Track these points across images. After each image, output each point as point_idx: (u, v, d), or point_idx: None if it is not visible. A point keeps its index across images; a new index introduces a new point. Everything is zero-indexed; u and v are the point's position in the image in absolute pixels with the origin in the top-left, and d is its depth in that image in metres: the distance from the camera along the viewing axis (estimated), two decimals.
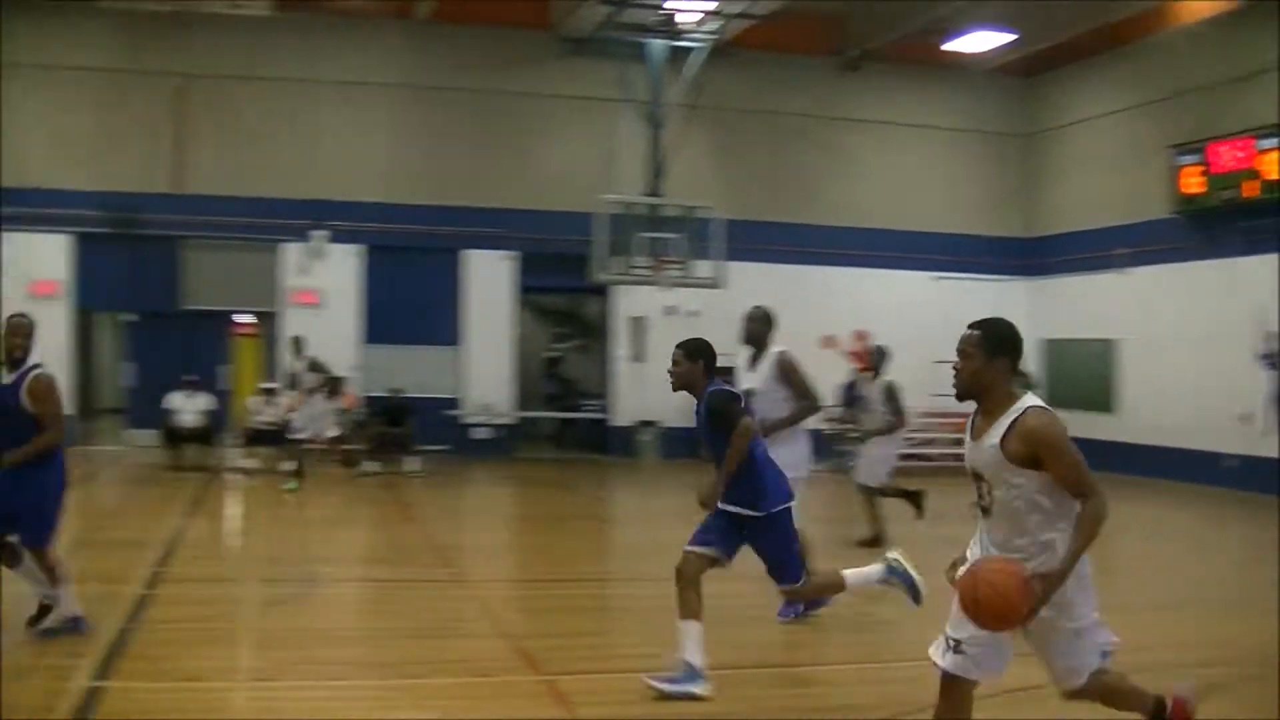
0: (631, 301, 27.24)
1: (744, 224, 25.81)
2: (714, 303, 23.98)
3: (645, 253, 24.91)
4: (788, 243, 27.82)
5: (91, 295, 26.01)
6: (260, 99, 26.38)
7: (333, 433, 22.55)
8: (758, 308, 11.35)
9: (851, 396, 19.19)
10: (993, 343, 5.80)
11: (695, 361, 8.71)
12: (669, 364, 8.63)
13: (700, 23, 26.12)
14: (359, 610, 9.88)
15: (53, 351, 24.93)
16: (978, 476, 5.89)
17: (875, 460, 15.55)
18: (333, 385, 23.36)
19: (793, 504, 8.81)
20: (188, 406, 23.07)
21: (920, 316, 26.72)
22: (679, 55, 26.67)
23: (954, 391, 5.91)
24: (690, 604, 8.36)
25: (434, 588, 12.30)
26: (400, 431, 23.39)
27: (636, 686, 8.28)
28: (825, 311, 27.12)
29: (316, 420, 21.81)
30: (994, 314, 5.98)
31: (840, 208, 28.74)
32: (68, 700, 7.84)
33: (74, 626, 9.56)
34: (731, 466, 8.58)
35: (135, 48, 25.82)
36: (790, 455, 10.05)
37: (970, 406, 5.91)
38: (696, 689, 8.18)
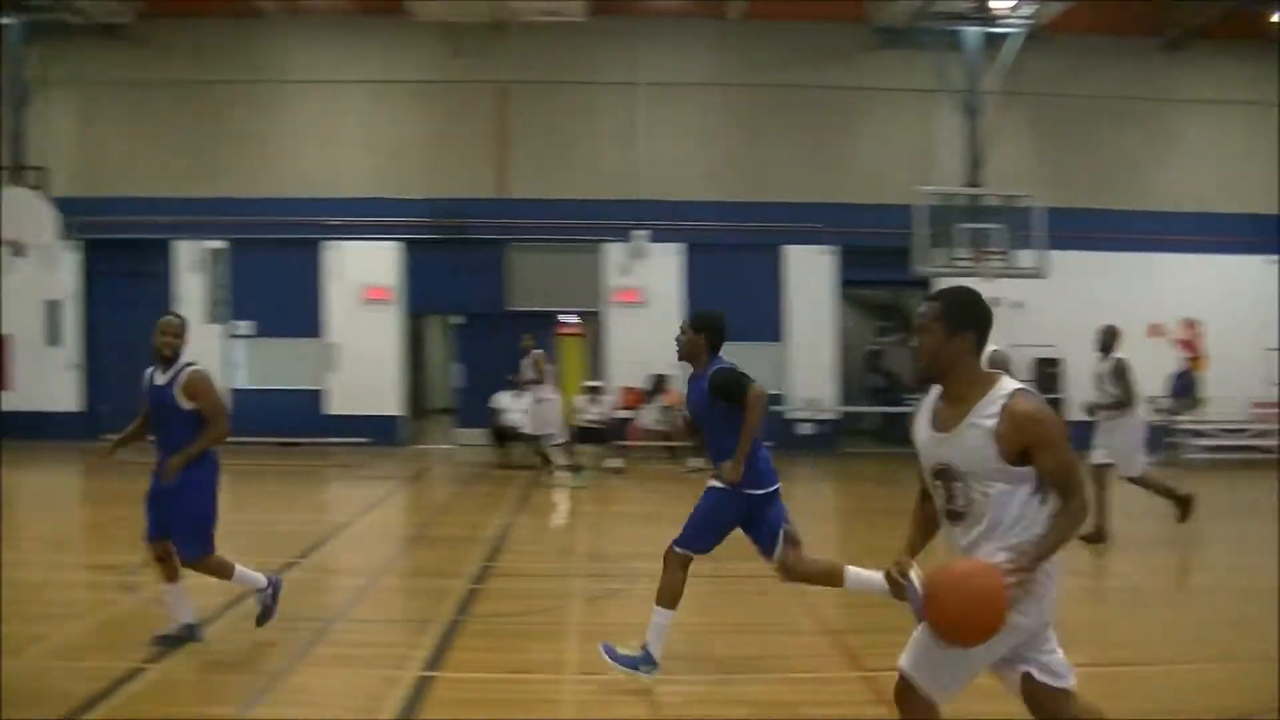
0: None
1: (1065, 211, 25.27)
2: (1037, 293, 23.72)
3: (966, 244, 24.65)
4: (1111, 229, 26.98)
5: (421, 299, 27.32)
6: (579, 102, 27.22)
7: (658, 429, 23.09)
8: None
9: (1180, 385, 18.54)
10: (955, 315, 5.20)
11: (699, 334, 8.86)
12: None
13: (1015, 8, 25.76)
14: (682, 606, 10.01)
15: (385, 354, 26.56)
16: (943, 475, 5.29)
17: (1126, 447, 14.69)
18: (657, 382, 24.03)
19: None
20: (515, 406, 23.72)
21: (1253, 302, 25.79)
22: (994, 42, 26.30)
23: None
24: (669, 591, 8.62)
25: (756, 583, 11.98)
26: None
27: None
28: (1151, 299, 26.34)
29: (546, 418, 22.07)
30: None
31: (1165, 192, 27.74)
32: (401, 689, 8.24)
33: (189, 635, 9.45)
34: (749, 437, 8.41)
35: (457, 58, 26.91)
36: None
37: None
38: (643, 672, 8.46)
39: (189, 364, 9.34)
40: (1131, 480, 14.74)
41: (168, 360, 9.29)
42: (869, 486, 22.73)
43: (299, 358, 26.63)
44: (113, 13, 26.78)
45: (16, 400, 27.24)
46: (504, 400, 23.84)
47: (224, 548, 11.09)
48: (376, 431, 26.22)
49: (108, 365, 27.64)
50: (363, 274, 26.91)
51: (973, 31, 26.24)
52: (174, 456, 9.15)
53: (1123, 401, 14.54)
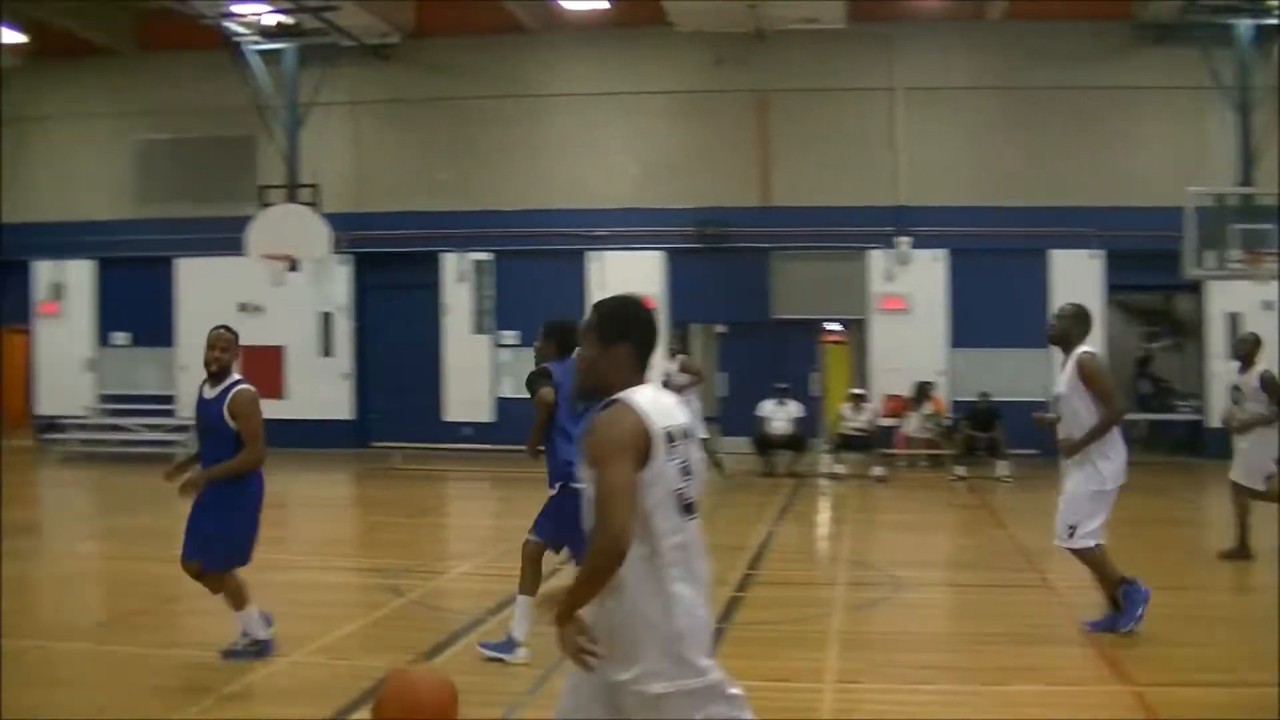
0: (1227, 297, 26.16)
1: None
2: None
3: (1239, 246, 24.14)
4: None
5: (685, 308, 27.89)
6: (838, 109, 27.50)
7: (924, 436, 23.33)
8: (1068, 304, 10.90)
9: None
10: (608, 326, 4.94)
11: (549, 341, 9.77)
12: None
13: None
14: (943, 614, 10.13)
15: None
16: None
17: (1254, 458, 13.88)
18: (922, 390, 24.30)
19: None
20: (779, 414, 24.11)
21: None
22: (1268, 35, 25.52)
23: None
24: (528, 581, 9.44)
25: (1021, 593, 12.35)
26: (989, 436, 23.40)
27: (1224, 700, 8.27)
28: None
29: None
30: None
31: None
32: None
33: (261, 649, 9.59)
34: (534, 435, 9.60)
35: (718, 66, 27.51)
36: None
37: None
38: (509, 657, 9.34)
39: (238, 381, 9.43)
40: (1254, 495, 13.94)
41: (216, 375, 9.44)
42: (1133, 495, 22.32)
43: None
44: (381, 35, 28.06)
45: (291, 409, 28.67)
46: (767, 408, 24.22)
47: (488, 553, 11.66)
48: None
49: (378, 374, 29.03)
50: (626, 284, 27.29)
51: (1245, 25, 25.53)
52: (207, 470, 9.28)
53: (1269, 417, 13.66)
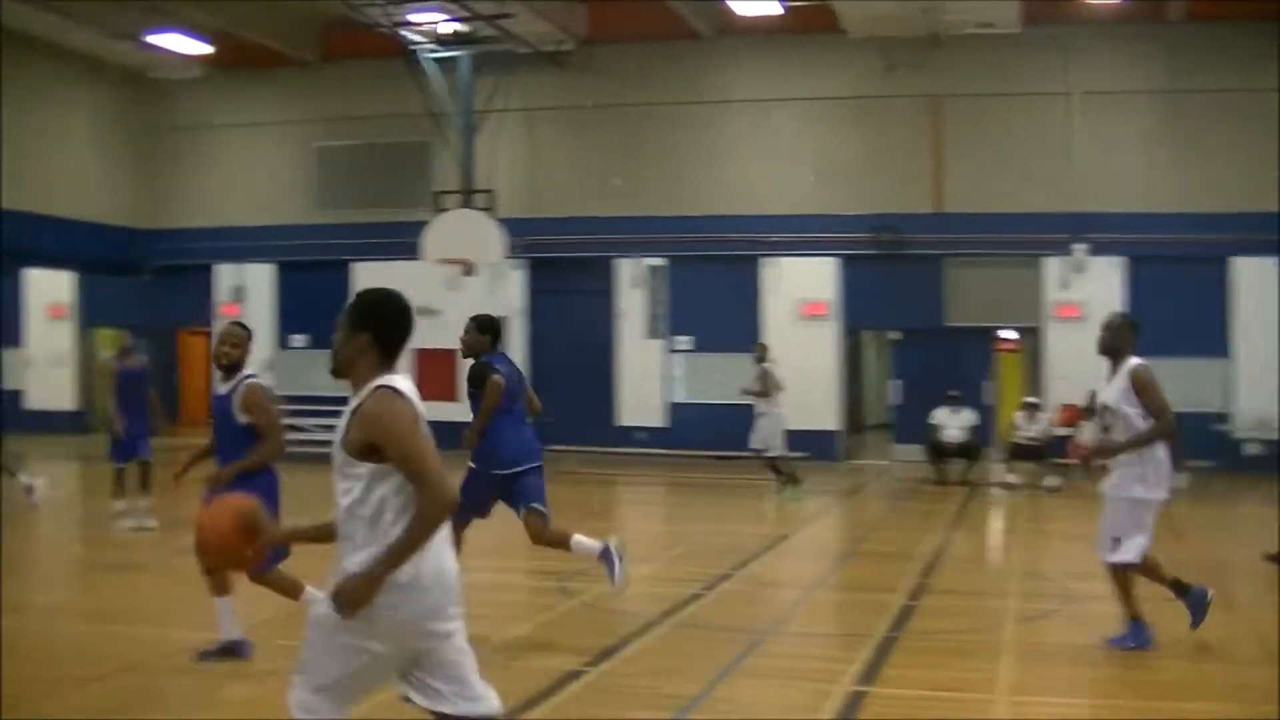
0: None
1: None
2: None
3: None
4: None
5: (858, 315, 28.31)
6: (1013, 113, 27.53)
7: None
8: (1116, 313, 11.04)
9: None
10: (357, 313, 5.38)
11: (484, 334, 11.21)
12: None
13: None
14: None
15: (822, 370, 27.58)
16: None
17: None
18: (1095, 399, 24.26)
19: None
20: (952, 422, 24.32)
21: None
22: None
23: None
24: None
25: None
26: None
27: None
28: None
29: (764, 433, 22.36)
30: None
31: None
32: (832, 703, 8.66)
33: (234, 650, 9.63)
34: (481, 418, 10.93)
35: (891, 72, 27.77)
36: None
37: None
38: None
39: (248, 376, 9.53)
40: None
41: (227, 370, 9.53)
42: None
43: (736, 372, 27.78)
44: (555, 41, 28.75)
45: (465, 412, 29.44)
46: (940, 416, 24.39)
47: (660, 557, 12.03)
48: (813, 446, 27.07)
49: (551, 379, 29.68)
50: (799, 290, 28.13)
51: None
52: (226, 468, 9.24)
53: None
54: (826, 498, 22.60)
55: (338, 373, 5.42)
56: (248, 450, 9.29)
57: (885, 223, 27.54)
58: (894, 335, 29.25)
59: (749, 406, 22.24)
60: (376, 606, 5.08)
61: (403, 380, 5.30)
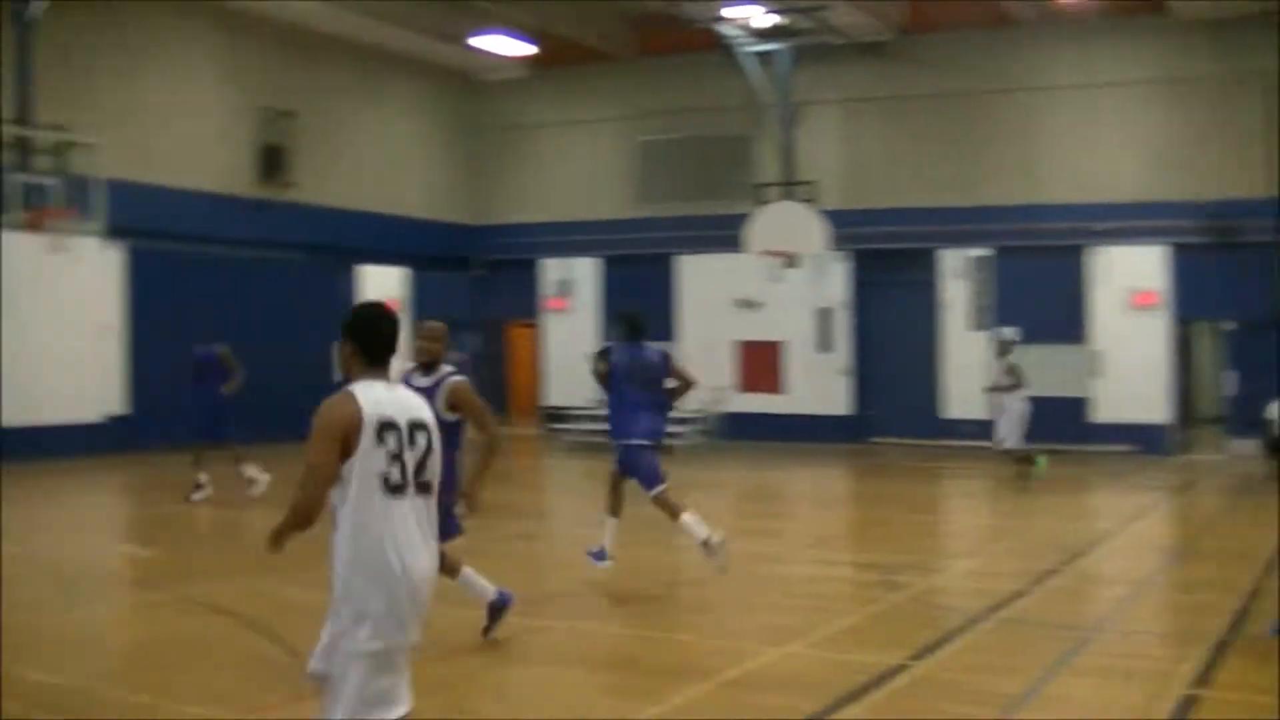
0: None
1: None
2: None
3: None
4: None
5: (1191, 305, 27.85)
6: None
7: None
8: None
9: None
10: (345, 327, 5.77)
11: (619, 325, 13.16)
12: None
13: None
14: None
15: (1152, 361, 27.26)
16: None
17: None
18: None
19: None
20: None
21: None
22: None
23: None
24: None
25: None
26: None
27: None
28: None
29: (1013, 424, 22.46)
30: None
31: None
32: (1164, 704, 8.47)
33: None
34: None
35: (1221, 54, 27.18)
36: None
37: None
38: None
39: (452, 372, 9.51)
40: None
41: (427, 366, 9.55)
42: None
43: (1063, 364, 27.88)
44: (875, 32, 29.07)
45: (788, 404, 30.12)
46: (1276, 411, 23.79)
47: (988, 551, 11.90)
48: (1142, 439, 26.95)
49: (875, 370, 30.04)
50: (1129, 279, 27.82)
51: None
52: (470, 484, 9.21)
53: None
54: (1156, 493, 22.37)
55: (345, 376, 5.81)
56: (448, 448, 8.75)
57: (1217, 209, 26.88)
58: (1229, 325, 28.61)
59: (1077, 399, 22.18)
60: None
61: (377, 385, 5.68)
